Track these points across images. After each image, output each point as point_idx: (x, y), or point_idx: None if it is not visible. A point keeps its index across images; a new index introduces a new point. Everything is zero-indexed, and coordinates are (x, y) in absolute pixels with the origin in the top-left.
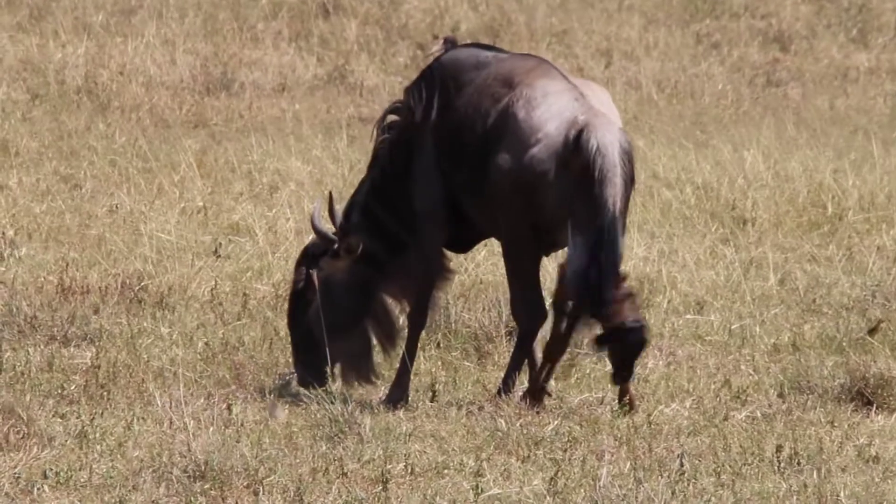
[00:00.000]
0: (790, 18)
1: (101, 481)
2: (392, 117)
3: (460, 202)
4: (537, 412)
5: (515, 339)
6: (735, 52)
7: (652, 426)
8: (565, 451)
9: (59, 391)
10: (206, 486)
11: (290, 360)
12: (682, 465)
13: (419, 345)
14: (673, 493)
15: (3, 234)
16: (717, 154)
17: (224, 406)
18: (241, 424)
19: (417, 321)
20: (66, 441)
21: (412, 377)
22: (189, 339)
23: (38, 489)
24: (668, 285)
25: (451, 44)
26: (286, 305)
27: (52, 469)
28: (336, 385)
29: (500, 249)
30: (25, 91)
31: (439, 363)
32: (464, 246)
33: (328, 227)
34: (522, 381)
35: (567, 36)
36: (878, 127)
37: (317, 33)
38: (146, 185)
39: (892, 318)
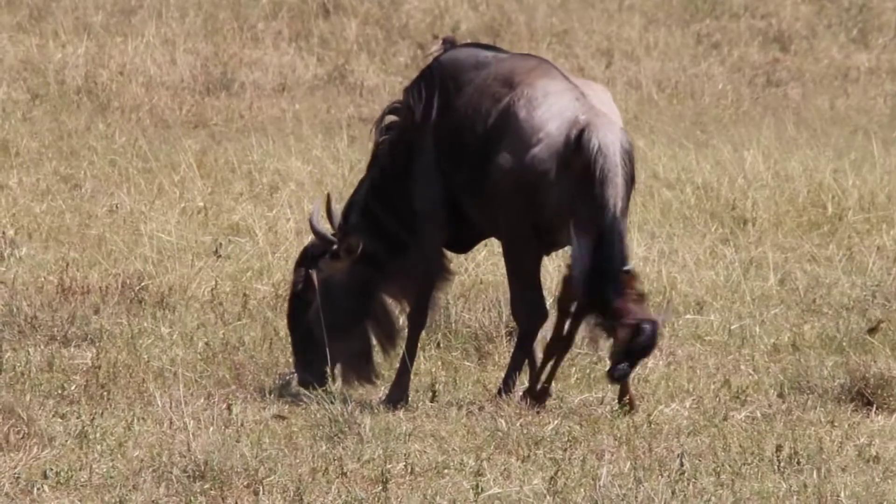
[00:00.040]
0: (790, 18)
1: (101, 481)
2: (391, 117)
3: (460, 202)
4: (537, 412)
5: (516, 339)
6: (735, 52)
7: (652, 426)
8: (565, 450)
9: (60, 391)
10: (206, 486)
11: (291, 360)
12: (681, 464)
13: (419, 345)
14: (673, 492)
15: (4, 233)
16: (718, 154)
17: (224, 406)
18: (241, 424)
19: (417, 321)
20: (67, 441)
21: (412, 377)
22: (189, 340)
23: (39, 489)
24: (668, 285)
25: (449, 44)
26: (286, 306)
27: (52, 469)
28: (336, 385)
29: (500, 249)
30: (25, 91)
31: (439, 363)
32: (464, 246)
33: (327, 228)
34: (523, 381)
35: (567, 36)
36: (878, 127)
37: (317, 33)
38: (146, 185)
39: (892, 318)
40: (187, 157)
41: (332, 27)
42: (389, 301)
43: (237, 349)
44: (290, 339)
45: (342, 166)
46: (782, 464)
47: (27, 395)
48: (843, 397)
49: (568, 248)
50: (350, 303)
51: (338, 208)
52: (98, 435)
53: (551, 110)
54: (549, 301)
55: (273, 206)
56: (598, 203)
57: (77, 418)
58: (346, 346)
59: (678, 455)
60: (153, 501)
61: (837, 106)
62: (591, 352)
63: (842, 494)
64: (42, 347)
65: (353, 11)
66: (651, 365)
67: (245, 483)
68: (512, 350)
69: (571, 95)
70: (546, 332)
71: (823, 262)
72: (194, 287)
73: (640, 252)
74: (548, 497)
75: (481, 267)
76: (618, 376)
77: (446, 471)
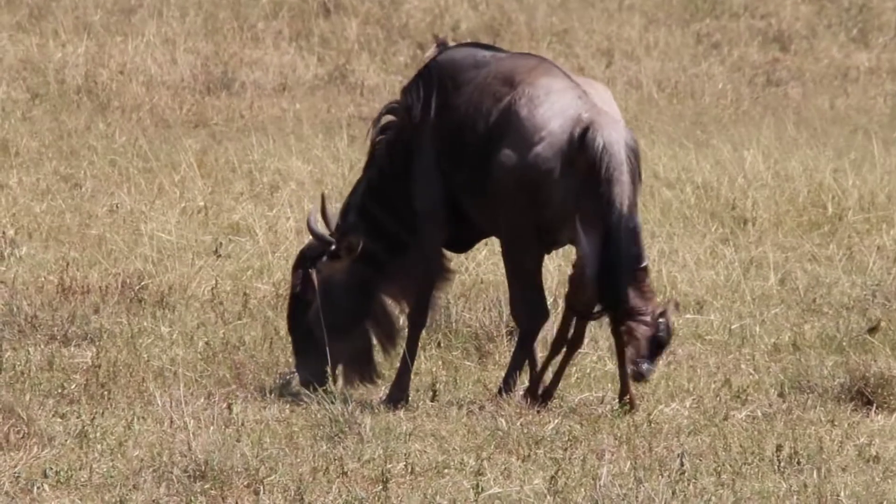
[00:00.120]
0: (790, 18)
1: (101, 481)
2: (388, 118)
3: (461, 202)
4: (538, 412)
5: (516, 339)
6: (735, 51)
7: (652, 425)
8: (566, 450)
9: (60, 391)
10: (207, 486)
11: (291, 359)
12: (682, 464)
13: (420, 344)
14: (673, 492)
15: (4, 233)
16: (718, 154)
17: (224, 405)
18: (242, 424)
19: (417, 321)
20: (67, 440)
21: (412, 377)
22: (189, 339)
23: (39, 488)
24: (668, 285)
25: (443, 46)
26: (286, 307)
27: (52, 468)
28: (337, 385)
29: (500, 249)
30: (25, 90)
31: (440, 363)
32: (463, 246)
33: (324, 229)
34: (523, 381)
35: (568, 35)
36: (878, 127)
37: (317, 33)
38: (146, 184)
39: (893, 317)
40: (188, 156)
41: (332, 27)
42: (389, 301)
43: (237, 348)
44: (290, 340)
45: (342, 166)
46: (782, 463)
47: (27, 394)
48: (844, 397)
49: (568, 248)
50: (350, 303)
51: (334, 209)
52: (98, 434)
53: (553, 108)
54: (549, 300)
55: (273, 206)
56: (605, 201)
57: (77, 418)
58: (347, 346)
59: (678, 455)
60: (153, 501)
61: (837, 106)
62: (590, 351)
63: (842, 494)
64: (42, 347)
65: (353, 11)
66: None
67: (245, 483)
68: (512, 349)
69: (573, 94)
70: (545, 331)
71: (824, 262)
72: (194, 286)
73: None
74: (548, 496)
75: (482, 266)
76: (643, 374)
77: (447, 470)
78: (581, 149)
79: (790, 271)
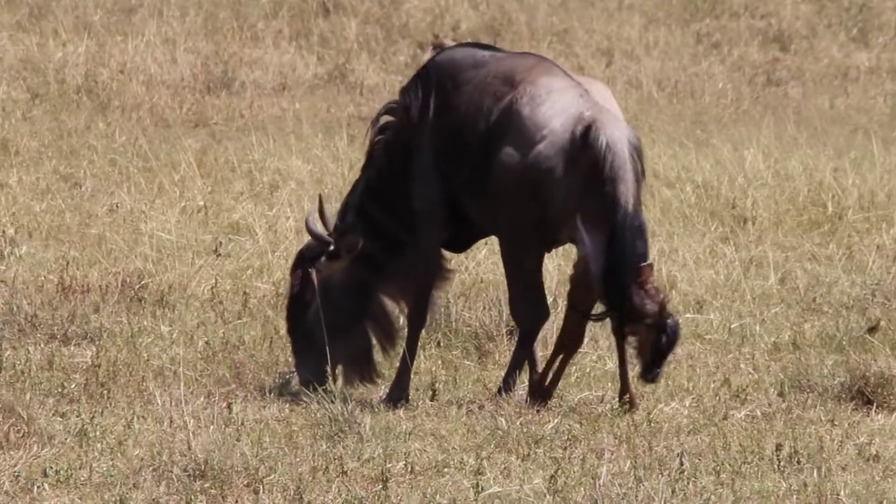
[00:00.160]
0: (790, 18)
1: (101, 480)
2: (387, 118)
3: (460, 202)
4: (537, 411)
5: (517, 338)
6: (735, 51)
7: (652, 425)
8: (565, 449)
9: (60, 390)
10: (207, 485)
11: (291, 359)
12: (681, 463)
13: (419, 343)
14: (673, 491)
15: (4, 232)
16: (718, 153)
17: (224, 405)
18: (242, 423)
19: (417, 321)
20: (67, 439)
21: (412, 376)
22: (189, 338)
23: (39, 487)
24: (668, 284)
25: (440, 49)
26: (285, 307)
27: (52, 467)
28: (336, 385)
29: (499, 248)
30: (25, 90)
31: (439, 362)
32: (461, 246)
33: (323, 229)
34: (523, 381)
35: (568, 35)
36: (878, 126)
37: (317, 32)
38: (146, 184)
39: (892, 317)
40: (187, 156)
41: (332, 26)
42: (388, 301)
43: (237, 348)
44: (289, 340)
45: (342, 165)
46: (782, 463)
47: (27, 393)
48: (844, 396)
49: (568, 247)
50: (349, 303)
51: (333, 209)
52: (98, 433)
53: (555, 107)
54: (549, 300)
55: (273, 205)
56: (610, 200)
57: (77, 417)
58: (346, 346)
59: (678, 454)
60: (153, 500)
61: (837, 105)
62: (590, 350)
63: (842, 493)
64: (42, 346)
65: (353, 10)
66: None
67: (245, 482)
68: (512, 349)
69: (575, 92)
70: (545, 331)
71: (823, 261)
72: (194, 286)
73: None
74: (548, 496)
75: (482, 266)
76: (652, 378)
77: (446, 469)
78: (584, 147)
79: (790, 270)
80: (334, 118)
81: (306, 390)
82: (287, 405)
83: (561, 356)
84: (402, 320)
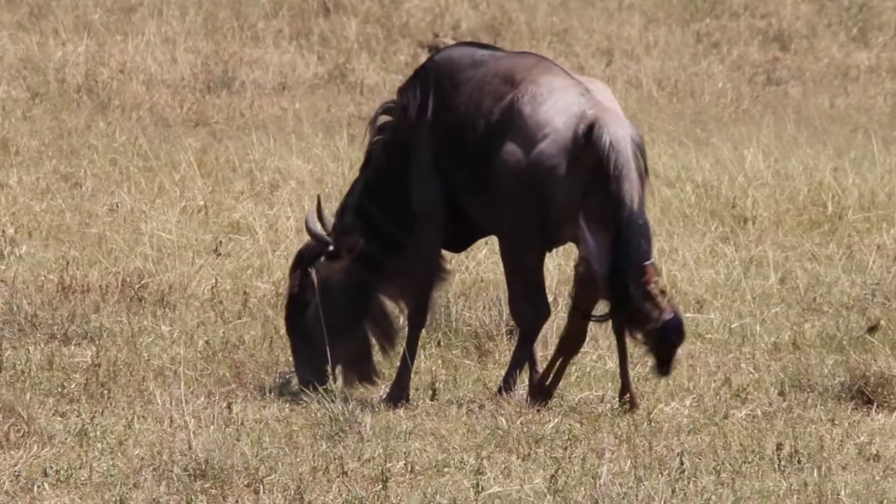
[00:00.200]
0: (790, 17)
1: (101, 479)
2: (385, 118)
3: (460, 202)
4: (538, 411)
5: (517, 338)
6: (735, 50)
7: (652, 424)
8: (566, 449)
9: (60, 389)
10: (207, 485)
11: (291, 359)
12: (682, 463)
13: (419, 343)
14: (673, 491)
15: (4, 232)
16: (718, 152)
17: (224, 404)
18: (242, 423)
19: (417, 321)
20: (67, 439)
21: (412, 376)
22: (189, 338)
23: (39, 487)
24: (668, 284)
25: (436, 52)
26: (284, 308)
27: (52, 467)
28: (337, 384)
29: (499, 248)
30: (25, 89)
31: (440, 361)
32: (460, 245)
33: (322, 230)
34: (523, 380)
35: (568, 35)
36: (878, 125)
37: (317, 32)
38: (147, 183)
39: (892, 316)
40: (188, 155)
41: (332, 26)
42: (388, 301)
43: (237, 347)
44: (289, 340)
45: (342, 165)
46: (783, 462)
47: (27, 393)
48: (844, 396)
49: (569, 246)
50: (347, 303)
51: (329, 210)
52: (98, 433)
53: (557, 106)
54: (549, 299)
55: (274, 205)
56: (614, 199)
57: (77, 416)
58: (346, 346)
59: (678, 453)
60: (153, 500)
61: (837, 104)
62: (590, 350)
63: (842, 493)
64: (42, 346)
65: (353, 10)
66: (651, 363)
67: (245, 482)
68: (512, 348)
69: (576, 91)
70: (545, 331)
71: (824, 261)
72: (194, 285)
73: None
74: (548, 496)
75: (482, 265)
76: (666, 372)
77: (446, 469)
78: (587, 146)
79: (790, 270)
80: (334, 118)
81: (306, 390)
82: (287, 405)
83: (562, 356)
84: (401, 320)
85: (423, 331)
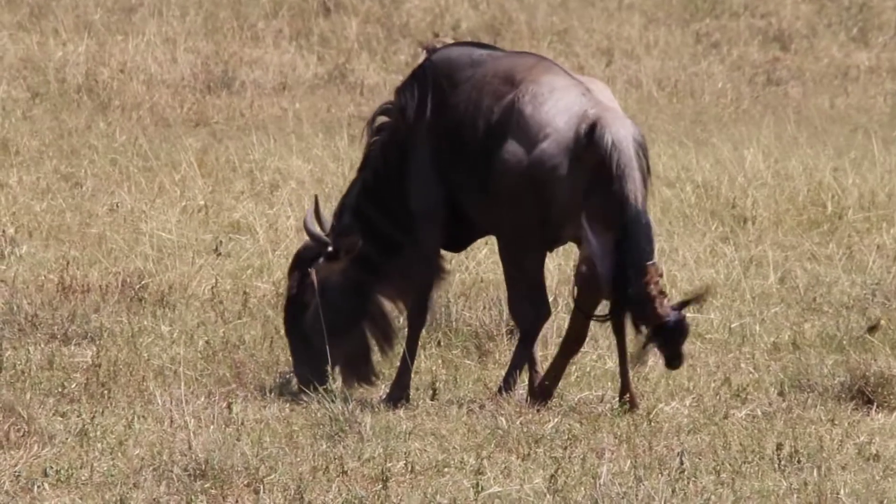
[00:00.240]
0: (790, 17)
1: (101, 479)
2: (383, 118)
3: (460, 202)
4: (538, 410)
5: (517, 338)
6: (735, 50)
7: (652, 424)
8: (565, 448)
9: (60, 389)
10: (207, 485)
11: (291, 359)
12: (682, 463)
13: (420, 343)
14: (673, 491)
15: (4, 232)
16: (717, 152)
17: (225, 404)
18: (242, 423)
19: (416, 322)
20: (67, 439)
21: (412, 375)
22: (190, 338)
23: (39, 487)
24: (668, 284)
25: (433, 51)
26: (283, 309)
27: (52, 467)
28: (336, 384)
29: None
30: (26, 89)
31: (440, 361)
32: (459, 245)
33: (320, 230)
34: (523, 380)
35: (568, 35)
36: (878, 126)
37: (317, 32)
38: (147, 183)
39: (892, 316)
40: (188, 155)
41: (332, 26)
42: (387, 302)
43: (238, 347)
44: (288, 341)
45: (342, 165)
46: (783, 462)
47: (27, 393)
48: (844, 395)
49: (569, 246)
50: (346, 304)
51: (328, 210)
52: (98, 433)
53: (558, 106)
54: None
55: (274, 205)
56: (618, 199)
57: (77, 416)
58: (344, 347)
59: (678, 453)
60: (154, 500)
61: (837, 105)
62: (590, 350)
63: (842, 492)
64: (42, 346)
65: (353, 10)
66: (651, 363)
67: (246, 482)
68: (512, 348)
69: (577, 91)
70: (545, 330)
71: (823, 261)
72: (195, 285)
73: None
74: (548, 495)
75: (482, 265)
76: (676, 366)
77: (447, 469)
78: (589, 145)
79: (790, 270)
80: (334, 118)
81: (306, 390)
82: (287, 405)
83: (563, 356)
84: (401, 321)
85: (423, 331)
